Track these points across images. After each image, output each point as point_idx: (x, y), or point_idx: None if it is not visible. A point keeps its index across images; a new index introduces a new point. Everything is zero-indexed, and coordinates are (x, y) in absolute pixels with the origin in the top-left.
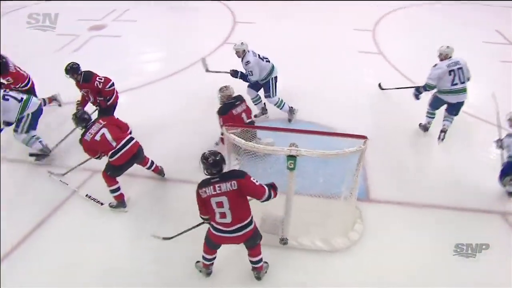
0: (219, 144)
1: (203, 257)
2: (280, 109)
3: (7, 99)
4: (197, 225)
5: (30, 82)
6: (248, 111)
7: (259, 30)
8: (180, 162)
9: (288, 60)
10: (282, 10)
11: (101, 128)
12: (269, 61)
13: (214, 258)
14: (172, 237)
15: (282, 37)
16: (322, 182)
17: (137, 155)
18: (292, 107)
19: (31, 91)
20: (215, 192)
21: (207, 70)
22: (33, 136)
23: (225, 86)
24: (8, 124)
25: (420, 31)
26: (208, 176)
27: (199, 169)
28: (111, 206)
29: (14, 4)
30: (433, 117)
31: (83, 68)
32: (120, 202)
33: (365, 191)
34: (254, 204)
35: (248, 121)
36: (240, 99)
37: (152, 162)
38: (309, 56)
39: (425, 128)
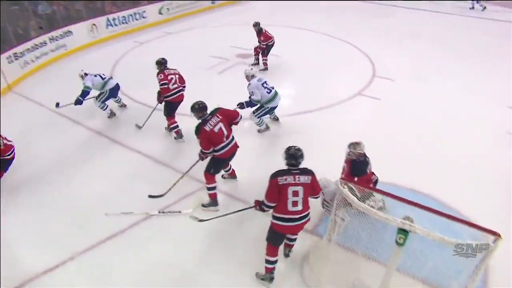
0: None
1: (267, 261)
2: (258, 126)
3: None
4: (246, 209)
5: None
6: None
7: (397, 89)
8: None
9: (424, 127)
10: (424, 71)
11: (218, 121)
12: (270, 91)
13: (277, 260)
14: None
15: (420, 101)
16: (430, 267)
17: (234, 153)
18: (267, 125)
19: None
20: (294, 182)
21: None
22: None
23: (357, 143)
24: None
25: None
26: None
27: None
28: (203, 205)
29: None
30: None
31: (225, 87)
32: (213, 201)
33: None
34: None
35: (374, 180)
36: (366, 156)
37: (231, 166)
38: (447, 129)
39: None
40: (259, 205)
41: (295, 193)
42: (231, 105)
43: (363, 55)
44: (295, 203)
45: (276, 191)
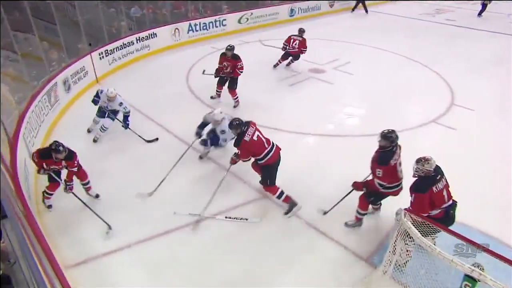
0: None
1: (359, 213)
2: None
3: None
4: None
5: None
6: (447, 187)
7: (476, 120)
8: None
9: (503, 165)
10: (508, 102)
11: (255, 130)
12: None
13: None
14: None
15: (500, 135)
16: None
17: (279, 157)
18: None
19: None
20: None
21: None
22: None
23: (426, 159)
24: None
25: None
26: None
27: None
28: (286, 213)
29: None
30: None
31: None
32: (292, 203)
33: None
34: None
35: (449, 202)
36: (440, 172)
37: None
38: None
39: None
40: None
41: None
42: (294, 119)
43: (442, 81)
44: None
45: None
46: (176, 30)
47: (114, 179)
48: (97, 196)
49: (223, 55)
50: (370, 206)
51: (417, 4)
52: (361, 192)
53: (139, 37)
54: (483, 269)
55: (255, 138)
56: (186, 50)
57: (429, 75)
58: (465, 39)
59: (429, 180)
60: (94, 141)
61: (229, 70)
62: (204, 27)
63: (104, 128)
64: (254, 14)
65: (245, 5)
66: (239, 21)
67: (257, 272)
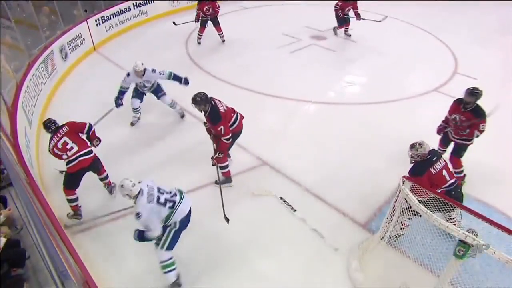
0: None
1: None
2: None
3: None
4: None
5: None
6: (446, 167)
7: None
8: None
9: (504, 136)
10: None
11: (219, 101)
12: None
13: None
14: None
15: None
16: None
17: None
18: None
19: None
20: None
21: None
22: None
23: (419, 143)
24: None
25: None
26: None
27: None
28: (216, 182)
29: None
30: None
31: (295, 68)
32: (229, 179)
33: None
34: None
35: (451, 181)
36: (436, 154)
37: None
38: None
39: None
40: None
41: None
42: (295, 86)
43: (446, 49)
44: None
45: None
46: None
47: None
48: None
49: (201, 0)
50: None
51: None
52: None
53: (136, 3)
54: (476, 234)
55: (225, 108)
56: (185, 16)
57: (434, 43)
58: (473, 7)
59: (425, 163)
60: (132, 124)
61: (211, 12)
62: None
63: (135, 109)
64: None
65: None
66: None
67: (257, 239)
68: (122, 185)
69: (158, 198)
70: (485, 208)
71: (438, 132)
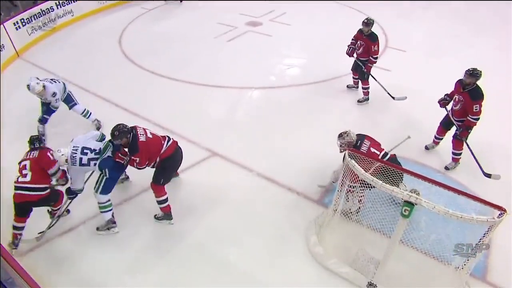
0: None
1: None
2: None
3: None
4: None
5: None
6: (374, 143)
7: (408, 61)
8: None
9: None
10: (437, 43)
11: (143, 129)
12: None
13: None
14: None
15: (430, 75)
16: (433, 240)
17: (179, 151)
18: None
19: None
20: None
21: None
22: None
23: (345, 132)
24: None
25: None
26: None
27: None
28: (156, 218)
29: None
30: None
31: (234, 57)
32: (168, 216)
33: (483, 269)
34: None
35: (381, 153)
36: (361, 138)
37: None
38: None
39: None
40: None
41: None
42: (236, 74)
43: (376, 25)
44: None
45: None
46: None
47: None
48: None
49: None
50: None
51: None
52: None
53: (59, 3)
54: (419, 193)
55: (149, 135)
56: (115, 13)
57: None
58: None
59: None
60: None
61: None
62: None
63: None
64: None
65: None
66: None
67: (214, 230)
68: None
69: (81, 159)
70: (424, 169)
71: (441, 106)
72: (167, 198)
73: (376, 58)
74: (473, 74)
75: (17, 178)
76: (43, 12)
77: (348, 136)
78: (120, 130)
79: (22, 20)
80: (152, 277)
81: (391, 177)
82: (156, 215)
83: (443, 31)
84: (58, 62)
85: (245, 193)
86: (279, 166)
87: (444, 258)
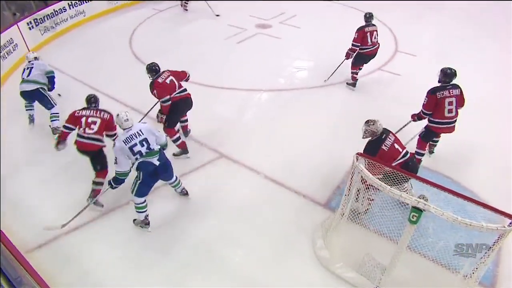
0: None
1: (419, 154)
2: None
3: None
4: None
5: None
6: (398, 141)
7: (419, 65)
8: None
9: None
10: (449, 48)
11: (169, 75)
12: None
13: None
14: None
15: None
16: (441, 247)
17: (190, 100)
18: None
19: None
20: (449, 95)
21: None
22: None
23: (373, 120)
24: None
25: None
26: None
27: None
28: (174, 154)
29: None
30: None
31: (243, 59)
32: (184, 150)
33: (492, 278)
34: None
35: (403, 151)
36: (386, 132)
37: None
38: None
39: None
40: (417, 116)
41: (450, 103)
42: (245, 76)
43: (386, 29)
44: (450, 110)
45: (433, 104)
46: None
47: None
48: None
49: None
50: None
51: None
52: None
53: (72, 3)
54: (427, 199)
55: (167, 81)
56: (126, 13)
57: (374, 23)
58: None
59: (376, 143)
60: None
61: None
62: None
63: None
64: None
65: None
66: None
67: (222, 231)
68: (117, 115)
69: (134, 145)
70: (433, 175)
71: None
72: (179, 137)
73: (354, 45)
74: (447, 73)
75: (84, 130)
76: (56, 12)
77: (374, 125)
78: (152, 67)
79: (35, 20)
80: (158, 276)
81: (398, 176)
82: (174, 153)
83: (454, 34)
84: (70, 61)
85: (251, 195)
86: (287, 168)
87: (452, 266)
